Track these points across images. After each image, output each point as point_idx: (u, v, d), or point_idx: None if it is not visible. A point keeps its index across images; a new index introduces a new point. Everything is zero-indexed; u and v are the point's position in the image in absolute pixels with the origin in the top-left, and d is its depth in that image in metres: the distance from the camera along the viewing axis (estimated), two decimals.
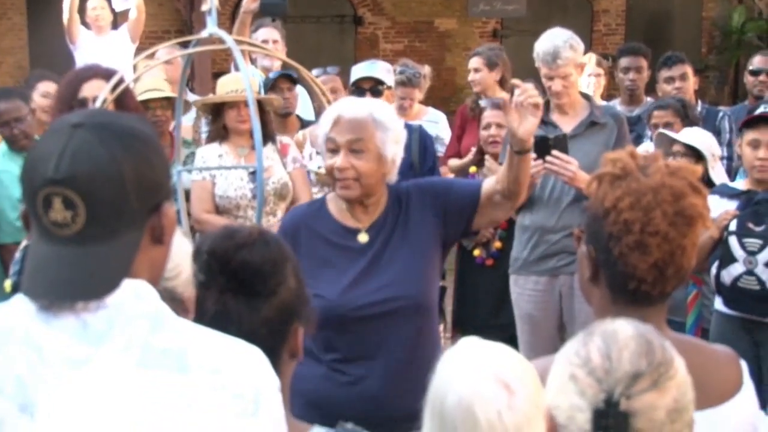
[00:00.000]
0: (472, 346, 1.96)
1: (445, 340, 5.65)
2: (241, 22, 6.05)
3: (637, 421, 1.56)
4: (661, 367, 1.59)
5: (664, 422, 1.57)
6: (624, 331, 1.64)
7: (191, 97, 6.43)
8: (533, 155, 4.47)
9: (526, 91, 3.13)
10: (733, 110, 6.77)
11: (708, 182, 4.72)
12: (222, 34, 3.89)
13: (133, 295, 1.61)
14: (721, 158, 5.32)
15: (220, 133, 4.96)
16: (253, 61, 6.36)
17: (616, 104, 6.64)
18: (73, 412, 1.54)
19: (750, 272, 4.35)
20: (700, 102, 6.41)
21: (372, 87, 5.42)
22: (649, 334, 1.63)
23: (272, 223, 4.64)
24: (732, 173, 5.46)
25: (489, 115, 5.53)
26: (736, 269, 4.37)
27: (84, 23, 8.15)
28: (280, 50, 6.34)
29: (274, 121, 5.66)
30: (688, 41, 15.47)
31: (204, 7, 3.99)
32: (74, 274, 1.58)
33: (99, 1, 8.18)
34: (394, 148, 3.15)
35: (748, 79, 7.05)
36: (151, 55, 4.74)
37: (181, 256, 2.17)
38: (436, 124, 6.56)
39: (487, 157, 5.41)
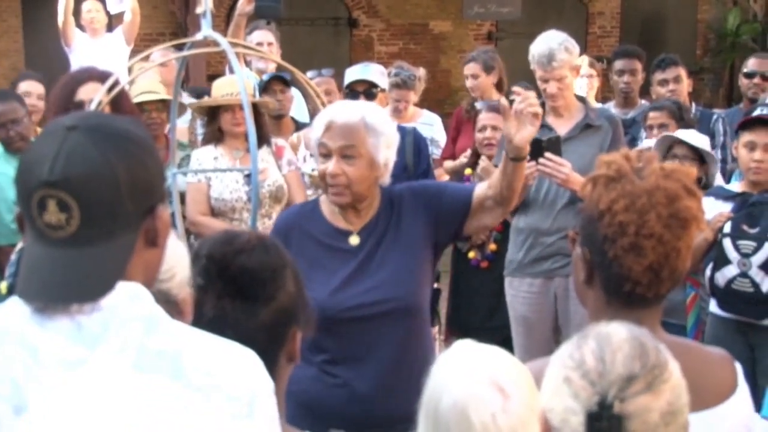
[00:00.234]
0: (466, 349, 1.97)
1: (440, 342, 5.64)
2: (236, 25, 6.05)
3: (630, 423, 1.56)
4: (655, 369, 1.59)
5: (658, 425, 1.57)
6: (618, 333, 1.64)
7: (186, 99, 6.42)
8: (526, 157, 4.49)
9: (527, 99, 3.14)
10: (727, 113, 6.78)
11: (705, 185, 4.74)
12: (217, 36, 3.89)
13: (128, 297, 1.61)
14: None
15: (215, 135, 4.96)
16: (247, 64, 6.36)
17: (611, 107, 6.64)
18: (68, 414, 1.54)
19: (744, 274, 4.35)
20: (694, 104, 6.42)
21: (366, 90, 5.42)
22: (643, 336, 1.63)
23: (267, 225, 4.64)
24: (726, 176, 5.47)
25: (484, 118, 5.53)
26: (730, 271, 4.38)
27: (79, 26, 8.15)
28: (275, 53, 6.34)
29: (269, 124, 5.66)
30: (683, 43, 15.49)
31: (198, 10, 3.99)
32: (69, 276, 1.58)
33: (94, 4, 8.18)
34: (387, 152, 3.15)
35: (743, 81, 7.06)
36: (146, 58, 4.74)
37: (175, 258, 2.17)
38: (431, 127, 6.56)
39: (483, 158, 5.41)
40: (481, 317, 5.35)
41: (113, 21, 8.67)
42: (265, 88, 5.78)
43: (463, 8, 14.35)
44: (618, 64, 6.76)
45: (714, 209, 4.48)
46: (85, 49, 7.94)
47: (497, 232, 5.34)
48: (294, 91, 6.07)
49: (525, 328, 4.98)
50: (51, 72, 4.82)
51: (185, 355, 1.59)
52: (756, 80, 6.88)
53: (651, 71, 6.48)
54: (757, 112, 4.71)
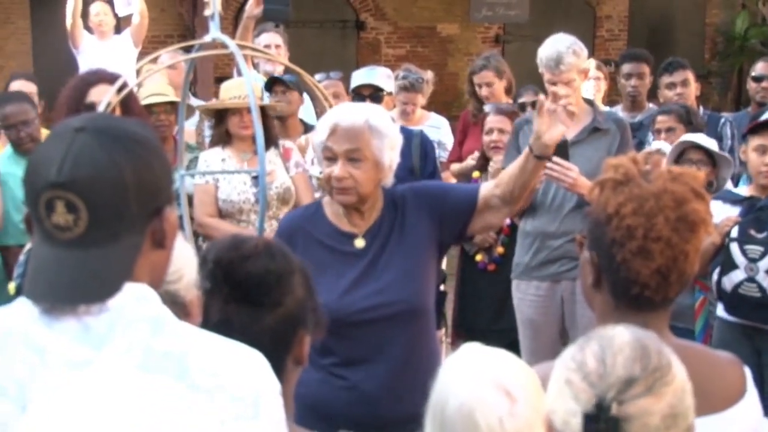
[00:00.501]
0: (473, 352, 1.96)
1: (447, 345, 5.65)
2: (245, 27, 6.06)
3: (630, 426, 1.56)
4: (657, 372, 1.58)
5: (659, 427, 1.56)
6: (621, 336, 1.64)
7: (194, 101, 6.43)
8: None
9: (568, 97, 3.15)
10: (735, 117, 6.77)
11: (716, 188, 4.73)
12: (225, 38, 3.90)
13: (135, 298, 1.61)
14: None
15: (222, 138, 4.96)
16: (255, 66, 6.36)
17: (618, 110, 6.64)
18: (73, 414, 1.54)
19: (751, 279, 4.34)
20: (701, 108, 6.41)
21: (371, 94, 5.44)
22: (646, 339, 1.63)
23: (275, 227, 4.64)
24: (734, 179, 5.46)
25: (492, 121, 5.53)
26: (737, 276, 4.36)
27: (87, 28, 8.17)
28: (283, 55, 6.35)
29: (276, 125, 5.67)
30: (691, 47, 15.47)
31: (207, 12, 3.99)
32: (76, 277, 1.58)
33: (102, 7, 8.20)
34: (391, 154, 3.15)
35: (751, 85, 7.05)
36: (155, 60, 4.75)
37: (183, 260, 2.18)
38: (439, 129, 6.55)
39: (495, 159, 5.38)
40: (488, 320, 5.35)
41: (121, 23, 8.69)
42: (267, 89, 5.79)
43: (470, 11, 14.35)
44: (625, 68, 6.75)
45: (721, 213, 4.47)
46: (93, 51, 7.96)
47: (505, 236, 5.34)
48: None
49: (532, 331, 4.97)
50: (59, 74, 4.83)
51: (191, 356, 1.60)
52: (764, 84, 6.87)
53: (658, 74, 6.47)
54: (766, 116, 4.70)
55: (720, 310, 4.56)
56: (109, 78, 4.07)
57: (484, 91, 6.46)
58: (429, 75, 6.52)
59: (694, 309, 4.80)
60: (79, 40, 8.05)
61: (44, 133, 5.14)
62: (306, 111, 6.24)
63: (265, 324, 2.11)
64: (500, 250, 5.38)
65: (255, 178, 4.75)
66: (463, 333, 5.48)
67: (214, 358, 1.62)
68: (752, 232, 4.38)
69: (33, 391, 1.56)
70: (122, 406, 1.54)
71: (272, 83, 5.81)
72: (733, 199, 4.61)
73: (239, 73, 4.94)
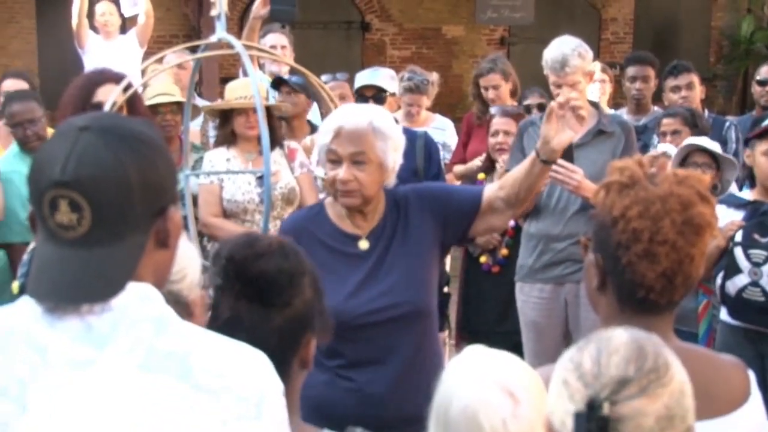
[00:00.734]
0: (477, 354, 1.97)
1: (450, 347, 5.65)
2: (251, 28, 6.06)
3: (624, 426, 1.55)
4: (651, 374, 1.58)
5: (653, 429, 1.56)
6: (618, 337, 1.64)
7: (199, 101, 6.44)
8: None
9: (577, 100, 3.16)
10: (739, 120, 6.77)
11: (720, 191, 4.73)
12: (231, 39, 3.90)
13: (138, 298, 1.61)
14: None
15: (228, 138, 4.97)
16: (261, 67, 6.37)
17: (623, 113, 6.64)
18: (74, 414, 1.54)
19: (755, 283, 4.34)
20: (706, 111, 6.41)
21: (374, 95, 5.44)
22: (643, 341, 1.63)
23: (279, 227, 4.65)
24: (739, 183, 5.46)
25: (498, 123, 5.53)
26: (741, 280, 4.36)
27: (93, 27, 8.18)
28: (288, 56, 6.35)
29: (284, 126, 5.68)
30: (697, 50, 15.47)
31: (213, 12, 3.99)
32: (79, 276, 1.59)
33: (107, 7, 8.22)
34: (394, 155, 3.15)
35: (756, 89, 7.04)
36: (160, 60, 4.75)
37: (186, 259, 2.18)
38: (444, 131, 6.55)
39: (502, 159, 5.36)
40: (492, 322, 5.35)
41: (127, 23, 8.71)
42: (275, 89, 5.81)
43: (476, 13, 14.36)
44: (630, 71, 6.75)
45: (725, 217, 4.46)
46: (98, 51, 7.97)
47: (509, 237, 5.34)
48: None
49: (535, 333, 4.98)
50: (64, 73, 4.84)
51: (194, 356, 1.60)
52: None
53: (663, 77, 6.47)
54: None
55: (723, 314, 4.56)
56: (115, 78, 4.07)
57: (490, 94, 6.45)
58: (434, 77, 6.52)
59: (698, 312, 4.80)
60: (84, 39, 8.06)
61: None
62: (312, 112, 6.25)
63: (274, 324, 2.11)
64: (504, 252, 5.38)
65: (260, 178, 4.75)
66: (467, 335, 5.48)
67: (217, 358, 1.62)
68: (756, 236, 4.38)
69: (34, 390, 1.56)
70: (123, 405, 1.55)
71: (279, 84, 5.81)
72: (737, 203, 4.61)
73: (245, 74, 4.95)
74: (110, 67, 4.67)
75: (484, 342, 2.04)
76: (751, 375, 2.11)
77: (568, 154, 4.52)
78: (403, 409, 3.00)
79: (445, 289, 5.39)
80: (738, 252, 4.39)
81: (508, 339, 4.82)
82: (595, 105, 5.05)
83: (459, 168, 6.22)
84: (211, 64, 9.15)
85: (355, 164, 3.09)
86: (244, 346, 1.68)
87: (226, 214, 4.89)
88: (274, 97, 5.68)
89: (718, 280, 4.46)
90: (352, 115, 3.15)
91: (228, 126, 4.97)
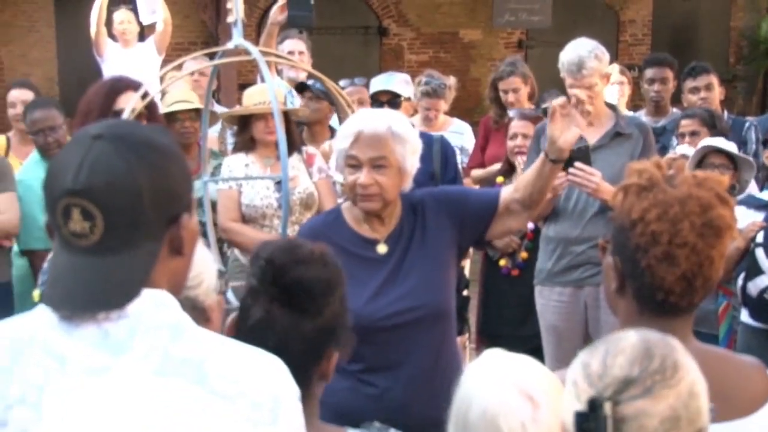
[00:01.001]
0: (496, 358, 1.97)
1: (470, 350, 5.64)
2: (268, 34, 6.07)
3: (627, 427, 1.55)
4: (657, 375, 1.57)
5: (657, 430, 1.55)
6: (628, 338, 1.63)
7: (218, 108, 6.46)
8: None
9: (578, 96, 3.17)
10: (759, 120, 6.74)
11: (738, 192, 4.71)
12: (248, 45, 3.91)
13: (154, 304, 1.62)
14: None
15: (247, 144, 4.98)
16: (279, 73, 6.38)
17: (642, 115, 6.62)
18: (88, 418, 1.55)
19: None
20: (726, 112, 6.39)
21: (389, 100, 5.46)
22: (653, 342, 1.62)
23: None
24: (759, 184, 5.44)
25: (516, 126, 5.53)
26: (763, 281, 4.34)
27: (111, 36, 8.22)
28: (306, 62, 6.36)
29: (305, 131, 5.69)
30: (716, 51, 15.42)
31: (230, 19, 4.01)
32: (92, 284, 1.59)
33: (126, 15, 8.24)
34: (412, 159, 3.18)
35: None
36: (179, 67, 4.77)
37: (202, 265, 2.19)
38: (462, 135, 6.55)
39: (520, 160, 5.36)
40: (512, 326, 5.34)
41: (145, 31, 8.74)
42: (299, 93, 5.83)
43: (493, 17, 14.36)
44: (649, 73, 6.73)
45: (745, 218, 4.45)
46: (116, 59, 8.00)
47: (528, 241, 5.33)
48: None
49: (555, 337, 4.96)
50: (83, 81, 4.86)
51: (209, 362, 1.60)
52: None
53: (682, 79, 6.46)
54: None
55: (744, 316, 4.53)
56: (135, 85, 4.10)
57: (510, 97, 6.44)
58: (451, 81, 6.52)
59: (718, 314, 4.78)
60: (103, 48, 8.10)
61: None
62: (333, 118, 6.26)
63: (304, 331, 2.12)
64: (524, 255, 5.37)
65: (278, 183, 4.76)
66: (487, 339, 5.48)
67: (232, 364, 1.62)
68: None
69: (50, 396, 1.57)
70: (138, 409, 1.55)
71: (302, 89, 5.84)
72: (758, 204, 4.59)
73: (263, 80, 4.96)
74: (129, 74, 4.71)
75: (504, 345, 2.04)
76: None
77: (586, 156, 4.51)
78: (426, 413, 3.00)
79: (465, 293, 5.38)
80: (760, 253, 4.37)
81: (528, 342, 4.81)
82: (612, 107, 5.04)
83: (478, 172, 6.21)
84: (229, 70, 9.19)
85: (375, 168, 3.11)
86: (260, 351, 1.68)
87: (245, 219, 4.90)
88: (292, 102, 5.69)
89: (740, 282, 4.44)
90: (371, 119, 3.17)
91: (247, 132, 4.98)
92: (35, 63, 13.85)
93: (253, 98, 5.00)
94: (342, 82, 5.63)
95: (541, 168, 3.21)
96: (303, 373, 1.75)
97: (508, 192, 3.29)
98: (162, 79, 5.15)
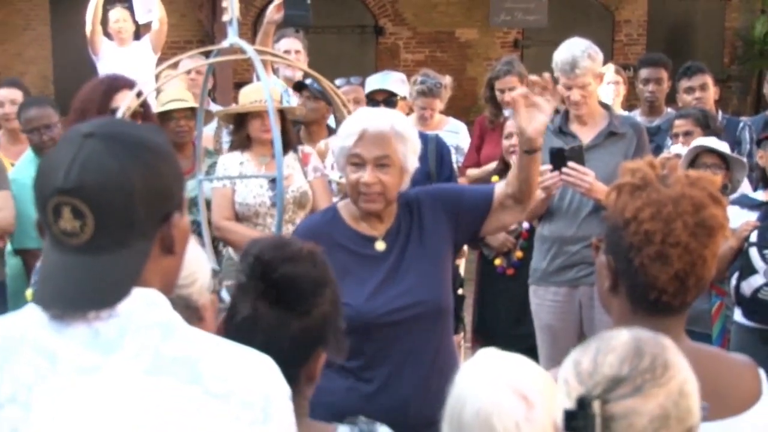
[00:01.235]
0: (491, 357, 1.97)
1: (465, 349, 5.65)
2: (265, 33, 6.08)
3: (616, 425, 1.55)
4: (647, 373, 1.57)
5: (646, 428, 1.55)
6: (619, 337, 1.64)
7: (213, 107, 6.46)
8: (549, 167, 4.49)
9: (536, 82, 3.17)
10: (753, 120, 6.74)
11: (730, 192, 4.72)
12: (243, 44, 3.91)
13: (145, 303, 1.62)
14: None
15: (243, 142, 4.98)
16: (275, 71, 6.38)
17: (637, 115, 6.63)
18: (77, 416, 1.55)
19: None
20: (720, 112, 6.39)
21: (385, 99, 5.46)
22: (644, 341, 1.62)
23: (291, 231, 4.65)
24: (753, 183, 5.44)
25: (511, 125, 5.52)
26: (756, 281, 4.35)
27: (107, 34, 8.21)
28: (302, 61, 6.37)
29: (303, 130, 5.69)
30: (711, 51, 15.43)
31: (225, 18, 4.01)
32: (83, 283, 1.59)
33: (121, 14, 8.24)
34: (413, 158, 3.20)
35: None
36: (175, 65, 4.77)
37: (196, 264, 2.19)
38: (457, 134, 6.55)
39: (515, 159, 5.36)
40: (507, 325, 5.35)
41: (141, 29, 8.73)
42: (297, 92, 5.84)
43: (489, 16, 14.35)
44: (643, 73, 6.73)
45: (739, 218, 4.45)
46: (112, 58, 8.00)
47: (523, 240, 5.34)
48: None
49: (550, 336, 4.97)
50: (79, 80, 4.85)
51: (201, 361, 1.60)
52: None
53: (677, 79, 6.46)
54: None
55: (738, 315, 4.54)
56: (131, 84, 4.10)
57: (506, 97, 6.44)
58: (447, 80, 6.52)
59: (711, 314, 4.79)
60: (98, 46, 8.09)
61: None
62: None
63: (291, 330, 2.11)
64: (519, 254, 5.38)
65: (272, 181, 4.76)
66: (482, 338, 5.48)
67: (223, 363, 1.62)
68: None
69: (39, 394, 1.56)
70: (127, 409, 1.55)
71: (301, 88, 5.85)
72: (751, 204, 4.60)
73: (258, 78, 4.96)
74: (124, 73, 4.70)
75: (499, 345, 2.04)
76: (763, 374, 2.10)
77: (579, 156, 4.52)
78: (425, 412, 3.01)
79: (460, 291, 5.39)
80: (753, 253, 4.38)
81: (523, 341, 4.82)
82: (606, 107, 5.04)
83: (473, 172, 6.21)
84: (225, 69, 9.18)
85: (379, 167, 3.13)
86: (251, 350, 1.68)
87: (239, 218, 4.91)
88: (288, 101, 5.69)
89: (733, 281, 4.44)
90: (374, 118, 3.18)
91: (243, 130, 4.98)
92: (30, 61, 13.85)
93: (249, 96, 5.00)
94: (338, 81, 5.63)
95: (520, 161, 3.23)
96: (290, 372, 1.75)
97: (501, 187, 3.30)
98: (157, 77, 5.15)
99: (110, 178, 1.58)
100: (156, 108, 5.12)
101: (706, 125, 5.32)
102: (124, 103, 3.83)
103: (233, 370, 1.61)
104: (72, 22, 11.09)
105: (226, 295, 2.82)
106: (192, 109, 5.22)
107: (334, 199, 5.10)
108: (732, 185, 4.82)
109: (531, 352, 4.14)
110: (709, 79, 6.34)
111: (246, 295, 2.14)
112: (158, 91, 5.41)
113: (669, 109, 6.69)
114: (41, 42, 14.00)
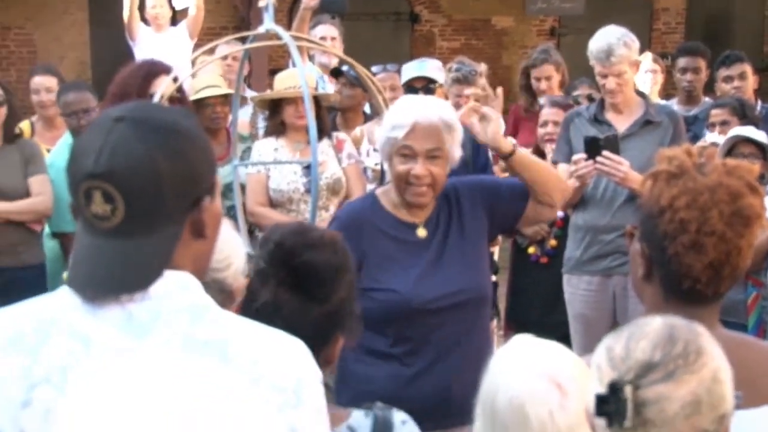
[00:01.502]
0: (525, 344, 1.97)
1: (499, 337, 5.64)
2: (301, 19, 6.09)
3: (647, 411, 1.55)
4: (679, 359, 1.57)
5: (678, 414, 1.55)
6: (652, 323, 1.63)
7: (248, 93, 6.47)
8: (583, 156, 4.47)
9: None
10: None
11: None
12: (278, 30, 3.92)
13: (177, 287, 1.63)
14: None
15: (277, 128, 5.00)
16: (311, 58, 6.39)
17: (674, 104, 6.58)
18: (113, 400, 1.56)
19: None
20: (759, 101, 6.33)
21: (424, 86, 5.44)
22: (677, 327, 1.61)
23: (324, 218, 4.67)
24: None
25: (546, 113, 5.52)
26: None
27: (144, 20, 8.25)
28: (338, 47, 6.37)
29: (339, 117, 5.70)
30: (749, 40, 15.27)
31: (261, 3, 4.02)
32: (114, 266, 1.60)
33: (158, 0, 8.27)
34: (457, 149, 3.22)
35: None
36: (211, 51, 4.79)
37: (231, 248, 2.19)
38: None
39: (550, 148, 5.34)
40: (541, 312, 5.34)
41: (177, 15, 8.76)
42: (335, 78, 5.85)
43: (525, 4, 14.29)
44: (681, 62, 6.68)
45: None
46: (149, 43, 8.02)
47: (558, 228, 5.32)
48: None
49: (583, 325, 4.95)
50: (116, 65, 4.88)
51: (232, 344, 1.61)
52: None
53: (715, 67, 6.41)
54: None
55: None
56: (169, 69, 4.13)
57: (542, 85, 6.42)
58: (483, 67, 6.49)
59: (747, 305, 4.75)
60: (135, 32, 8.12)
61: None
62: None
63: (311, 316, 2.11)
64: (553, 242, 5.36)
65: (306, 168, 4.77)
66: (515, 325, 5.47)
67: (255, 346, 1.62)
68: None
69: (74, 376, 1.57)
70: (161, 391, 1.56)
71: (338, 75, 5.86)
72: None
73: (294, 65, 4.97)
74: (161, 59, 4.72)
75: (532, 332, 2.03)
76: None
77: (614, 145, 4.50)
78: (465, 397, 3.01)
79: (493, 278, 5.39)
80: None
81: (556, 330, 4.80)
82: (642, 95, 5.01)
83: None
84: (261, 55, 9.18)
85: (430, 159, 3.14)
86: (282, 333, 1.69)
87: (272, 204, 4.92)
88: (323, 88, 5.70)
89: None
90: (424, 110, 3.19)
91: (277, 116, 5.00)
92: (69, 46, 13.93)
93: (284, 82, 5.02)
94: (374, 68, 5.62)
95: (510, 169, 3.30)
96: None
97: None
98: (193, 63, 5.17)
99: (139, 163, 1.58)
100: (190, 95, 5.15)
101: (743, 114, 5.27)
102: (161, 88, 3.86)
103: (265, 353, 1.62)
104: (109, 7, 11.15)
105: None
106: (226, 96, 5.24)
107: (369, 186, 5.11)
108: None
109: (564, 341, 4.11)
110: (748, 68, 6.28)
111: (266, 281, 2.14)
112: (194, 76, 5.44)
113: (706, 99, 6.64)
114: (79, 27, 14.08)
